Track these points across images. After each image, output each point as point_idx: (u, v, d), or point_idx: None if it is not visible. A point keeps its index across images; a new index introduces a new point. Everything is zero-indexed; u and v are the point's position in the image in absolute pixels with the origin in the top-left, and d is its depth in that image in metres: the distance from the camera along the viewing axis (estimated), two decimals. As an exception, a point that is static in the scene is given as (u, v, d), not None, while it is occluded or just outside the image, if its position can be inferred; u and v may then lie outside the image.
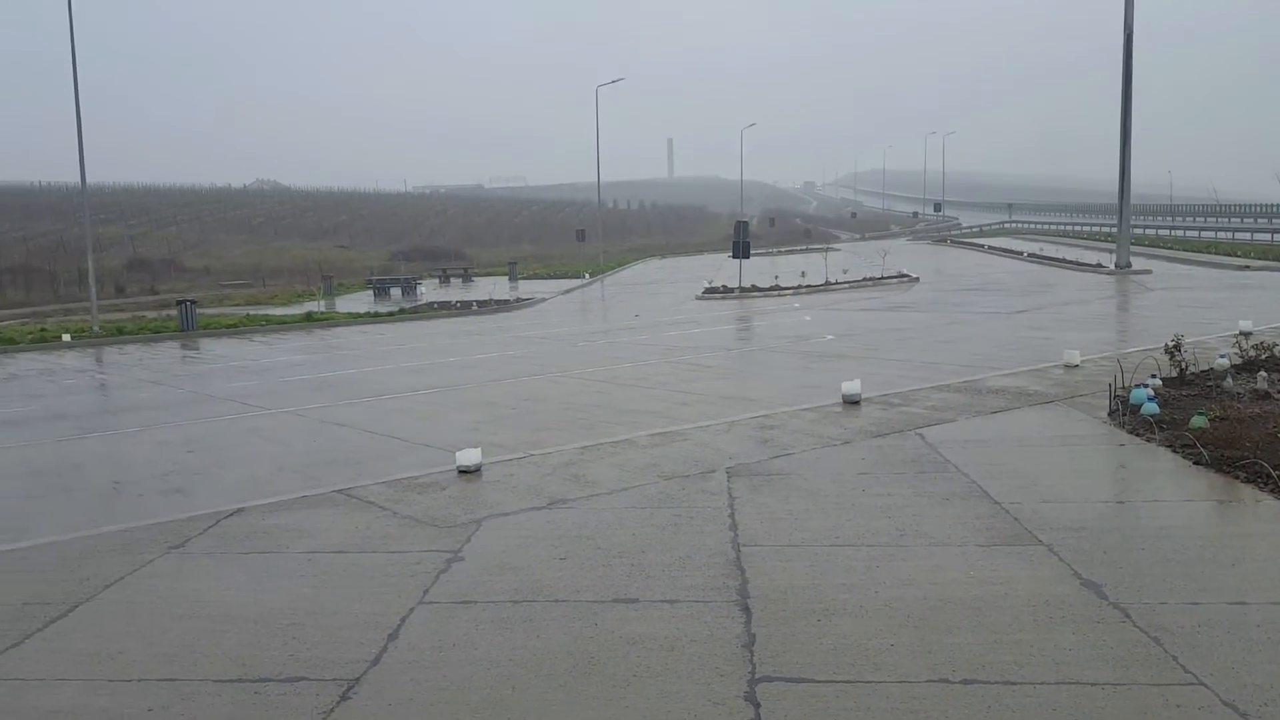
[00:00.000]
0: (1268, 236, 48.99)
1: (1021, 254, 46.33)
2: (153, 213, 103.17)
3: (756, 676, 4.36)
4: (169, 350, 24.51)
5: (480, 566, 6.02)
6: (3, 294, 52.23)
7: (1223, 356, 11.33)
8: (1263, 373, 10.38)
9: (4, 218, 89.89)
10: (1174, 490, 7.25)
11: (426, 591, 5.61)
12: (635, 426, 10.54)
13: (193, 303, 29.40)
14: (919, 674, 4.31)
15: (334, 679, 4.52)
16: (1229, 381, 10.39)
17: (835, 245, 74.23)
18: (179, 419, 13.16)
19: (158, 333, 28.19)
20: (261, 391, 15.59)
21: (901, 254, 51.86)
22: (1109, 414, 9.58)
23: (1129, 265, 34.10)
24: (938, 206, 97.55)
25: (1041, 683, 4.18)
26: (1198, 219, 62.30)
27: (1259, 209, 55.26)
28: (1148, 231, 59.34)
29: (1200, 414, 8.64)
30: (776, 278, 37.38)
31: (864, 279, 35.64)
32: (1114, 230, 42.67)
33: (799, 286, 34.28)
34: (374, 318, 31.26)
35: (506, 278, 50.07)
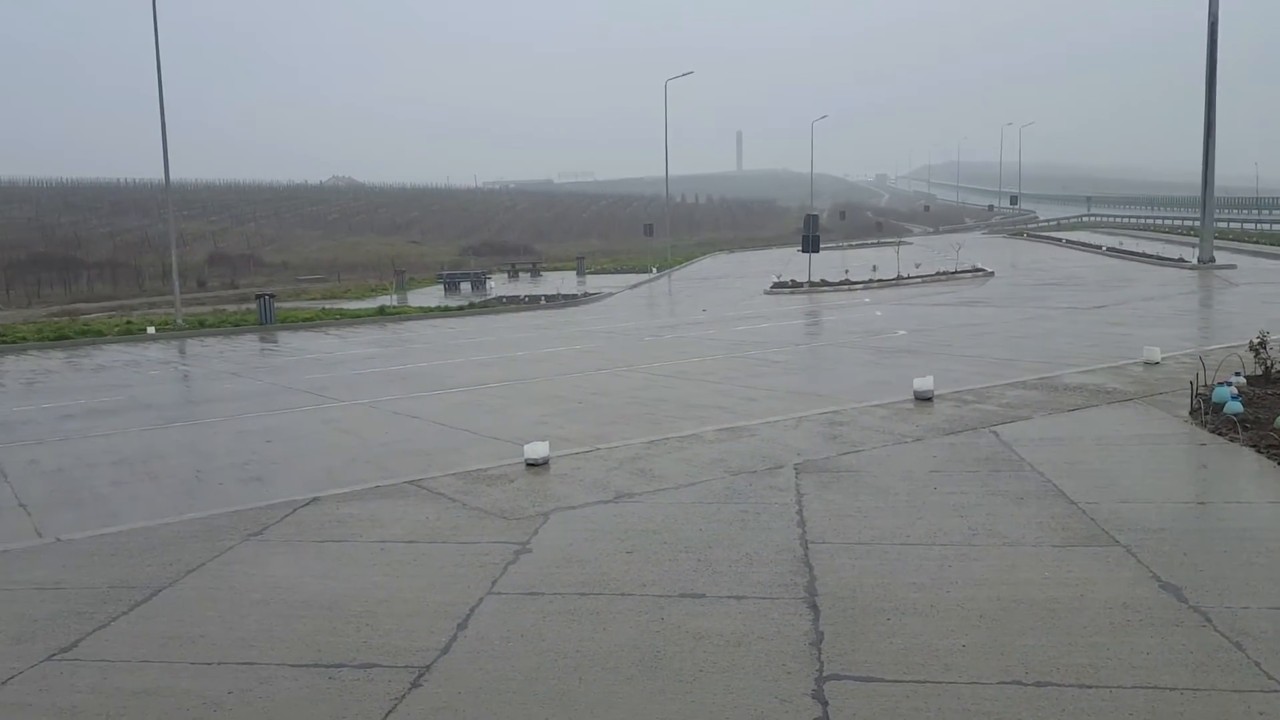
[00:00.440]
0: (1362, 230, 47.13)
1: (1100, 248, 45.20)
2: (233, 209, 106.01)
3: (824, 674, 4.33)
4: (248, 343, 25.19)
5: (548, 559, 6.08)
6: (91, 287, 54.25)
7: (1313, 354, 10.92)
8: (1356, 371, 10.00)
9: (92, 214, 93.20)
10: (1258, 491, 7.02)
11: (495, 582, 5.68)
12: (702, 421, 10.53)
13: (271, 296, 30.22)
14: (990, 675, 4.24)
15: (405, 666, 4.61)
16: (1320, 380, 10.03)
17: (907, 239, 73.25)
18: (258, 410, 13.52)
19: (237, 325, 29.03)
20: (336, 383, 15.92)
21: (976, 248, 50.97)
22: (1190, 413, 9.30)
23: (1212, 260, 33.05)
24: (1014, 199, 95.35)
25: (1117, 686, 4.08)
26: (1287, 212, 60.08)
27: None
28: (1232, 225, 57.27)
29: (1288, 414, 8.36)
30: (846, 272, 37.00)
31: (937, 273, 35.11)
32: (1196, 224, 41.40)
33: (869, 281, 33.90)
34: (444, 312, 31.74)
35: (574, 272, 50.43)
